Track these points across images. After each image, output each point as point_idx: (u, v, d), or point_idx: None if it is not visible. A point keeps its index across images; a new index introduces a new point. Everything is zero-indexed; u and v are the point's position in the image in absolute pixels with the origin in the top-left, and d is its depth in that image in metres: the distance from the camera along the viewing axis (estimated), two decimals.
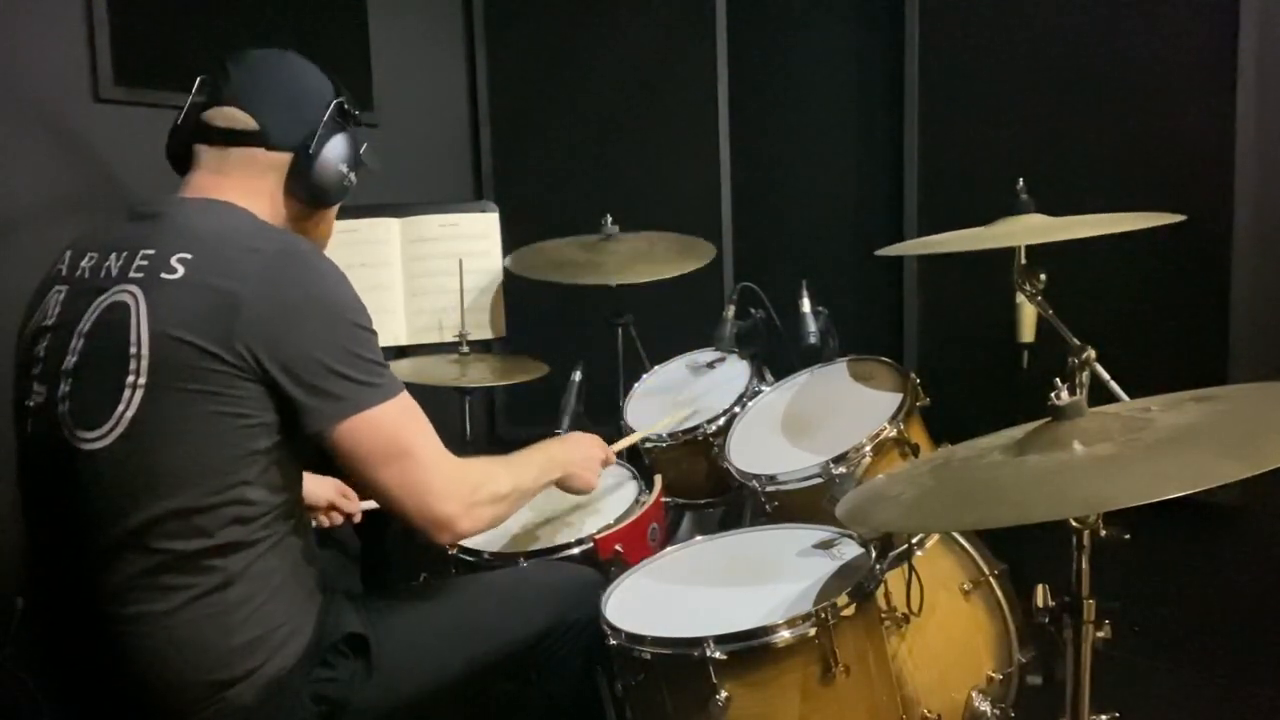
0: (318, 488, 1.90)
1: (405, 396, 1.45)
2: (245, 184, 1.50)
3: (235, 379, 1.32)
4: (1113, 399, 1.63)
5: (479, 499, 1.50)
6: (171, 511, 1.32)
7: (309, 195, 1.55)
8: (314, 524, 1.87)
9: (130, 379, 1.32)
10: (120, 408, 1.32)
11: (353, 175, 1.59)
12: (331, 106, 1.55)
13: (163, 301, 1.34)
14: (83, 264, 1.42)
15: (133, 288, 1.35)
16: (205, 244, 1.38)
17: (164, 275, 1.35)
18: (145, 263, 1.37)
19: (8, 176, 2.19)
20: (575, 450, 1.81)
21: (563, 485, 1.79)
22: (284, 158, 1.52)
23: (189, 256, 1.36)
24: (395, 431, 1.42)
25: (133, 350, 1.32)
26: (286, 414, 1.37)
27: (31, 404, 1.40)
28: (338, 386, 1.37)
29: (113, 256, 1.39)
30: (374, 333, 1.44)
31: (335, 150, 1.55)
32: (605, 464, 1.89)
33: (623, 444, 2.10)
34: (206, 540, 1.33)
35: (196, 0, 2.58)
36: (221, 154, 1.50)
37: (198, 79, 1.55)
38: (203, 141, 1.51)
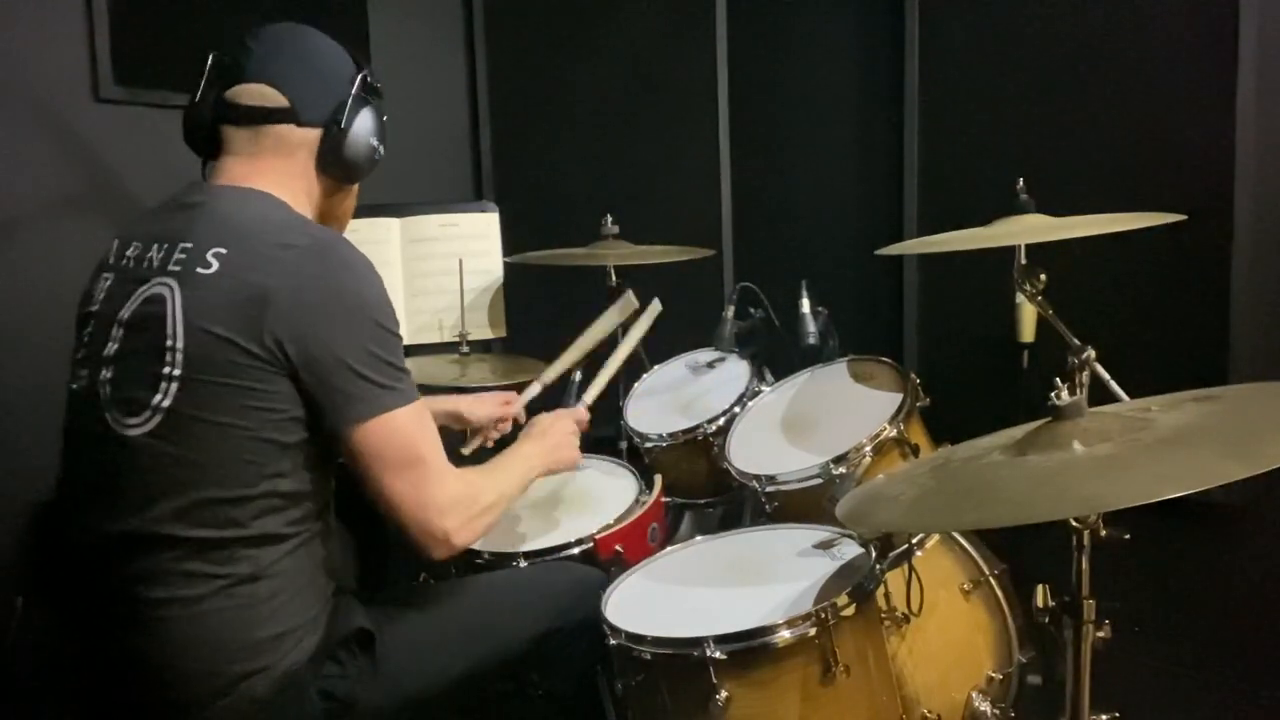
0: (482, 408, 2.01)
1: (420, 404, 1.45)
2: (278, 165, 1.49)
3: (265, 373, 1.34)
4: (1113, 399, 1.63)
5: (475, 512, 1.51)
6: (204, 500, 1.34)
7: (341, 171, 1.55)
8: (489, 444, 2.01)
9: (166, 370, 1.34)
10: (157, 398, 1.34)
11: (382, 148, 1.59)
12: (358, 80, 1.54)
13: (198, 296, 1.35)
14: (128, 253, 1.45)
15: (170, 280, 1.37)
16: (240, 238, 1.39)
17: (199, 270, 1.37)
18: (183, 256, 1.38)
19: (8, 176, 2.19)
20: (548, 439, 1.79)
21: (548, 473, 1.80)
22: (314, 134, 1.51)
23: (224, 251, 1.37)
24: (409, 438, 1.42)
25: (169, 343, 1.34)
26: (310, 409, 1.38)
27: (76, 387, 1.44)
28: (357, 387, 1.38)
29: (154, 247, 1.42)
30: (397, 335, 1.44)
31: (365, 124, 1.55)
32: (581, 425, 1.89)
33: (594, 390, 2.07)
34: (240, 530, 1.36)
35: (196, 0, 2.57)
36: (251, 134, 1.49)
37: (210, 57, 1.53)
38: (229, 122, 1.50)
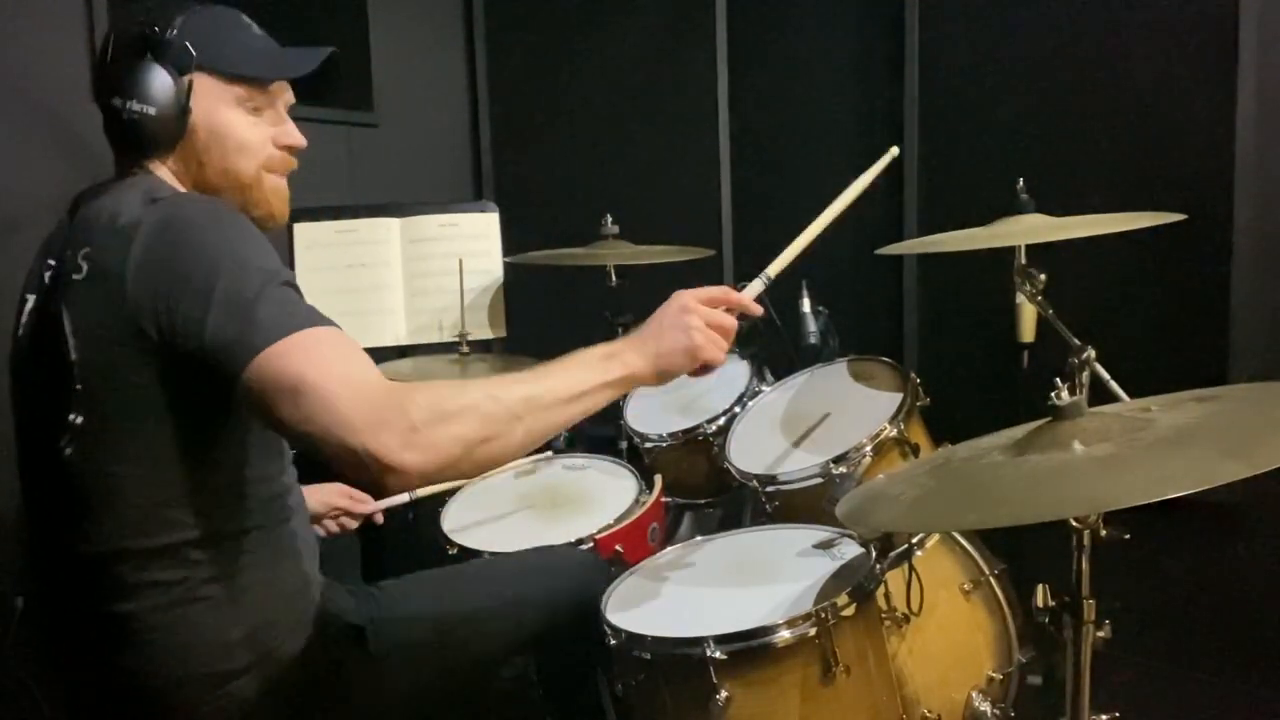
0: (319, 495, 1.84)
1: (307, 333, 1.21)
2: (123, 148, 1.44)
3: (150, 363, 1.26)
4: (1113, 399, 1.63)
5: (421, 419, 1.17)
6: (142, 508, 1.30)
7: (130, 144, 1.43)
8: (323, 533, 1.86)
9: (72, 385, 1.29)
10: (72, 415, 1.30)
11: (147, 108, 1.39)
12: (134, 39, 1.40)
13: (76, 302, 1.30)
14: (45, 272, 1.39)
15: (57, 294, 1.32)
16: (100, 232, 1.32)
17: (74, 276, 1.31)
18: (64, 264, 1.33)
19: (8, 176, 2.19)
20: (648, 328, 1.47)
21: (667, 377, 1.44)
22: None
23: (89, 249, 1.31)
24: (285, 366, 1.18)
25: (70, 357, 1.29)
26: (202, 380, 1.26)
27: (21, 418, 1.41)
28: (224, 337, 1.21)
29: (56, 261, 1.36)
30: (259, 267, 1.25)
31: (134, 84, 1.39)
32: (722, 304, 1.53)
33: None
34: (187, 532, 1.31)
35: (195, 1, 2.57)
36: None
37: None
38: None
